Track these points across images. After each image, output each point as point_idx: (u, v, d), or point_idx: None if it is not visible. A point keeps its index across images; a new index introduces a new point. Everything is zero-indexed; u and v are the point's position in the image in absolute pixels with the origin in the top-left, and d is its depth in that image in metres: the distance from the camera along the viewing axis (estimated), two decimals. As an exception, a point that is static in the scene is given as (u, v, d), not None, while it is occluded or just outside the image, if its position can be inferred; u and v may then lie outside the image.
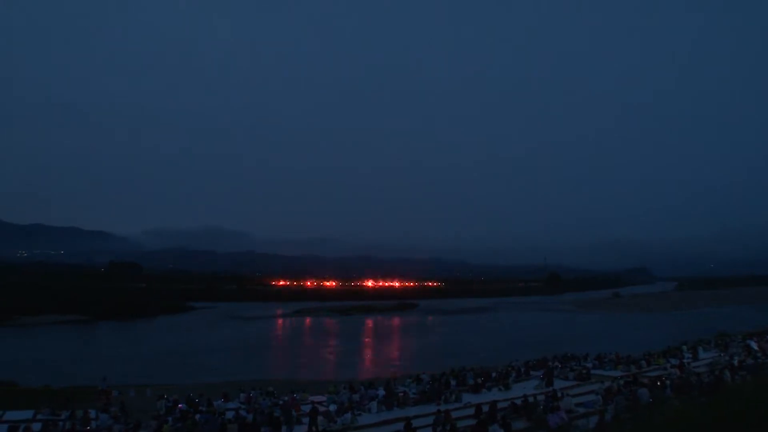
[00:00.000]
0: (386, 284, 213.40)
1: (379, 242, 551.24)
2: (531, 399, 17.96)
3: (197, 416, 18.15)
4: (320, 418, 17.70)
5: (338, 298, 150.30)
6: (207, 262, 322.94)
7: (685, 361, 26.53)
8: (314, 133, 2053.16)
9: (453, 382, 23.74)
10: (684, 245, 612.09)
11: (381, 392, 22.02)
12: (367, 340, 65.10)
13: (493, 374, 26.03)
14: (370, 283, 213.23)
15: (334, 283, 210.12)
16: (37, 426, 17.19)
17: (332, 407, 19.29)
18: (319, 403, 20.90)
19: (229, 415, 19.33)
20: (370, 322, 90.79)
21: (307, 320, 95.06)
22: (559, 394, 18.71)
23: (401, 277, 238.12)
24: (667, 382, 18.94)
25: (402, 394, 21.54)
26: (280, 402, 21.10)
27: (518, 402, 18.11)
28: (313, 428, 16.44)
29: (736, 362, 22.62)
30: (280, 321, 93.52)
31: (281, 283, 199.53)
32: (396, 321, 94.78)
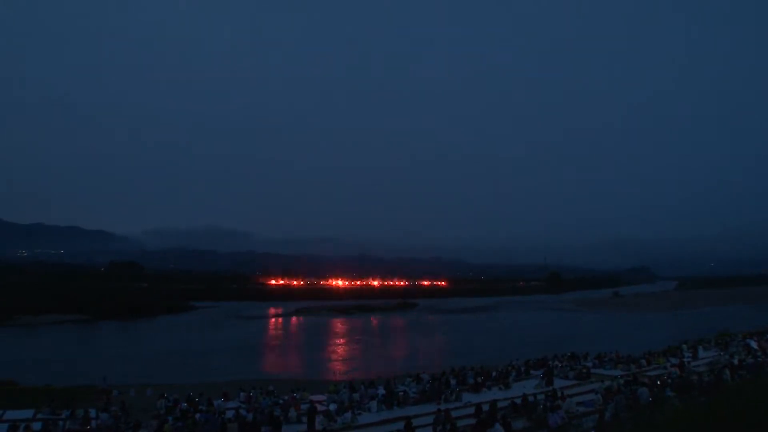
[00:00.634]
0: (386, 283, 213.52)
1: (379, 241, 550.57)
2: (531, 398, 17.96)
3: (197, 415, 18.18)
4: (320, 417, 17.73)
5: (338, 297, 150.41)
6: (208, 261, 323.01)
7: (685, 360, 26.53)
8: (314, 133, 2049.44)
9: (453, 382, 23.74)
10: (685, 244, 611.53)
11: (381, 391, 22.04)
12: (367, 339, 65.08)
13: (494, 373, 26.05)
14: (370, 283, 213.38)
15: (334, 283, 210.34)
16: (37, 425, 17.26)
17: (332, 406, 19.32)
18: (319, 402, 20.92)
19: (230, 414, 19.38)
20: (370, 322, 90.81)
21: (308, 320, 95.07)
22: (560, 394, 18.71)
23: (401, 276, 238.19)
24: (668, 381, 18.94)
25: (402, 393, 21.55)
26: (280, 401, 21.13)
27: (518, 401, 18.12)
28: (312, 427, 16.45)
29: (736, 361, 22.60)
30: (280, 320, 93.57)
31: (282, 282, 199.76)
32: (396, 320, 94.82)
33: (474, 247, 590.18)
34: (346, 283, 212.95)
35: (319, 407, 19.20)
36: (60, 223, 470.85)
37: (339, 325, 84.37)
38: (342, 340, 63.63)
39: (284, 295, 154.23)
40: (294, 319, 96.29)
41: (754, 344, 28.36)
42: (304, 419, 17.68)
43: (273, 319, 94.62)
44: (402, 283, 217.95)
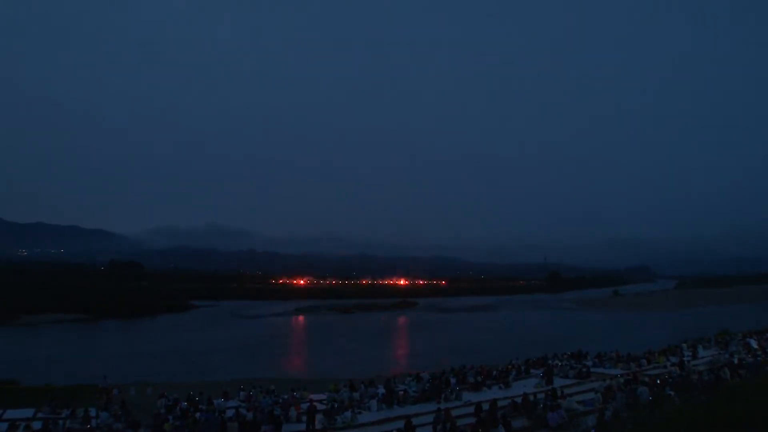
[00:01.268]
0: (387, 282, 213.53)
1: (379, 241, 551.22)
2: (531, 397, 17.96)
3: (198, 415, 18.19)
4: (320, 416, 17.72)
5: (339, 296, 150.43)
6: (208, 260, 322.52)
7: (685, 359, 26.50)
8: (315, 132, 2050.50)
9: (453, 381, 23.75)
10: (685, 244, 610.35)
11: (381, 390, 22.04)
12: (367, 338, 65.09)
13: (494, 372, 26.07)
14: (370, 282, 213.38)
15: (335, 282, 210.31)
16: (37, 424, 17.24)
17: (333, 405, 19.31)
18: (319, 401, 20.91)
19: (230, 413, 19.38)
20: (370, 321, 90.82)
21: (308, 318, 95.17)
22: (560, 393, 18.70)
23: (401, 275, 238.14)
24: (668, 380, 18.93)
25: (402, 392, 21.56)
26: (280, 400, 21.14)
27: (518, 400, 18.11)
28: (311, 426, 16.45)
29: (736, 360, 22.59)
30: (281, 319, 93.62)
31: (282, 281, 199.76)
32: (396, 319, 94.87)
33: (474, 246, 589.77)
34: (347, 281, 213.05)
35: (318, 406, 19.19)
36: (60, 222, 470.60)
37: (339, 323, 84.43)
38: (342, 339, 63.65)
39: (285, 294, 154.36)
40: (294, 318, 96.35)
41: (754, 343, 28.35)
42: (305, 418, 17.68)
43: (273, 318, 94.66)
44: (402, 282, 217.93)
